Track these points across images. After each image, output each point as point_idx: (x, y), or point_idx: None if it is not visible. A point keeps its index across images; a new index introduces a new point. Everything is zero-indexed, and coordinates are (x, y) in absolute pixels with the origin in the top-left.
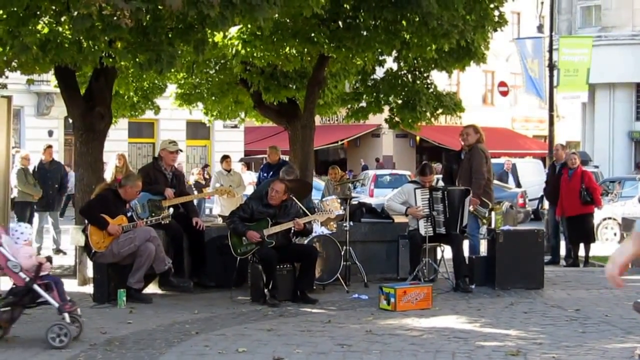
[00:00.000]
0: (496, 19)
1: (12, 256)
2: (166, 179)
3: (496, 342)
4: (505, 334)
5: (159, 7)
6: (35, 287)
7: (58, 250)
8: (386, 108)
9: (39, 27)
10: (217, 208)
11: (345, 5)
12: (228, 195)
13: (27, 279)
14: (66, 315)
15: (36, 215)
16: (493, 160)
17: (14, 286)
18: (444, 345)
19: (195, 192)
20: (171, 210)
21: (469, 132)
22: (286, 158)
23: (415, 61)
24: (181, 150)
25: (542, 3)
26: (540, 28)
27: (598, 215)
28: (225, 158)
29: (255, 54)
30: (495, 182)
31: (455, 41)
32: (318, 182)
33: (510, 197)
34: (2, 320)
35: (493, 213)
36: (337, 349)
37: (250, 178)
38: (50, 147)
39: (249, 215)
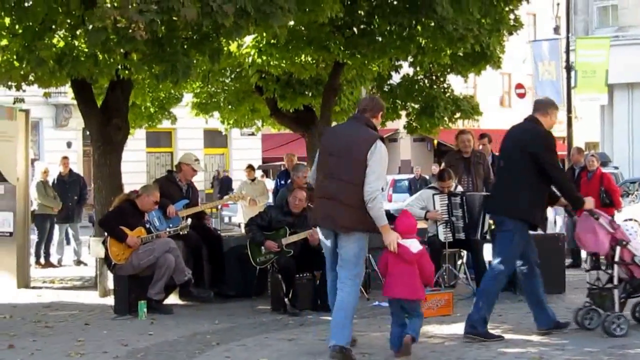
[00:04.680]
0: (511, 22)
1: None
2: (181, 191)
3: (518, 348)
4: (527, 339)
5: (174, 17)
6: None
7: (79, 262)
8: (403, 113)
9: (55, 41)
10: (239, 217)
11: (359, 12)
12: (248, 202)
13: None
14: None
15: (56, 227)
16: None
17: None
18: (466, 352)
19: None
20: (189, 220)
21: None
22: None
23: (431, 66)
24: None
25: (558, 4)
26: (556, 29)
27: (618, 217)
28: (248, 167)
29: (271, 63)
30: None
31: (471, 45)
32: None
33: None
34: None
35: None
36: (358, 358)
37: (268, 186)
38: (66, 158)
39: (267, 223)
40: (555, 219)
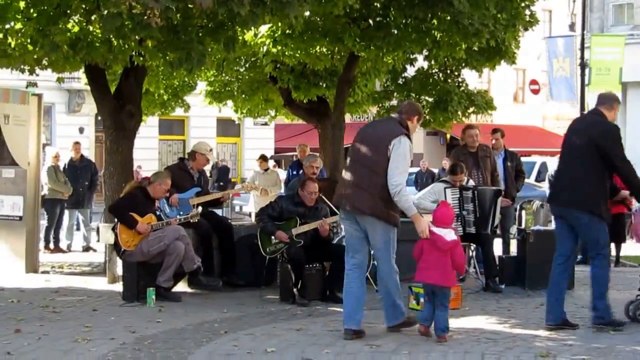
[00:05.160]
0: (527, 18)
1: None
2: (192, 179)
3: (526, 344)
4: (535, 335)
5: (189, 5)
6: None
7: (88, 248)
8: None
9: (69, 25)
10: (251, 206)
11: (375, 4)
12: (260, 192)
13: None
14: None
15: (66, 212)
16: (524, 159)
17: None
18: (473, 346)
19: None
20: (200, 208)
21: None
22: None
23: (445, 60)
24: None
25: (574, 1)
26: (572, 26)
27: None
28: (261, 157)
29: (285, 53)
30: (526, 181)
31: (486, 40)
32: None
33: (541, 195)
34: None
35: (524, 212)
36: (365, 350)
37: (280, 176)
38: (77, 143)
39: (278, 213)
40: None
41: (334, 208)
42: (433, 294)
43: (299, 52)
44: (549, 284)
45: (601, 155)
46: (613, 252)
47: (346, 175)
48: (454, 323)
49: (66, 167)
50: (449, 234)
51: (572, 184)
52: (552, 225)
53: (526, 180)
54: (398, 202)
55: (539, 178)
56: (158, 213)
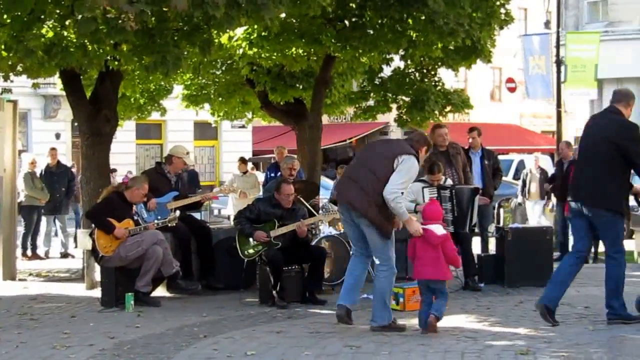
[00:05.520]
0: (502, 16)
1: None
2: (170, 183)
3: (506, 341)
4: (514, 332)
5: (164, 8)
6: None
7: (66, 254)
8: (394, 106)
9: (44, 31)
10: (229, 209)
11: (351, 5)
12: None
13: None
14: None
15: (44, 219)
16: (502, 157)
17: None
18: (453, 345)
19: None
20: (178, 212)
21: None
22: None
23: (422, 59)
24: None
25: None
26: (547, 24)
27: None
28: (240, 160)
29: (262, 55)
30: (504, 178)
31: (462, 39)
32: (326, 182)
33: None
34: None
35: (502, 210)
36: (346, 351)
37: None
38: (54, 149)
39: (256, 216)
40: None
41: (311, 209)
42: (429, 288)
43: (275, 54)
44: (554, 276)
45: (621, 153)
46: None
47: (351, 174)
48: None
49: (43, 173)
50: (439, 229)
51: (594, 182)
52: (530, 223)
53: (504, 178)
54: (392, 208)
55: (517, 176)
56: (136, 218)
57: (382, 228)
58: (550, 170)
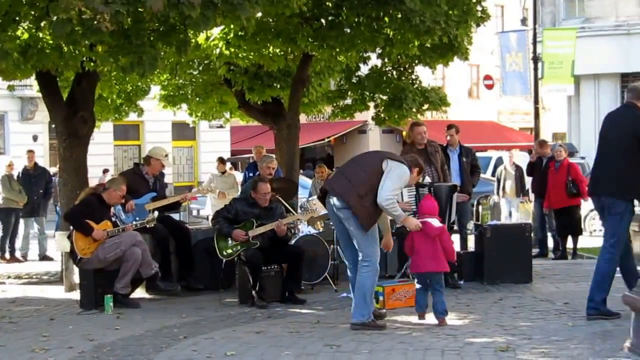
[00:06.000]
0: (479, 13)
1: None
2: (148, 184)
3: (485, 338)
4: (494, 329)
5: (140, 9)
6: None
7: (44, 257)
8: (372, 105)
9: (19, 32)
10: (208, 210)
11: (327, 4)
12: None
13: None
14: None
15: (22, 221)
16: (480, 154)
17: None
18: (433, 342)
19: None
20: (156, 213)
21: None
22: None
23: (399, 57)
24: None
25: None
26: (524, 21)
27: (585, 207)
28: (219, 160)
29: (239, 55)
30: (482, 175)
31: (439, 37)
32: (304, 181)
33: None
34: None
35: (480, 207)
36: (326, 350)
37: (238, 178)
38: (31, 152)
39: (233, 216)
40: (511, 211)
41: (290, 208)
42: (428, 281)
43: (252, 53)
44: (595, 272)
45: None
46: (570, 245)
47: (342, 169)
48: (413, 320)
49: (20, 175)
50: (435, 222)
51: (614, 175)
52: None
53: (482, 175)
54: (388, 212)
55: (495, 173)
56: (114, 219)
57: (362, 218)
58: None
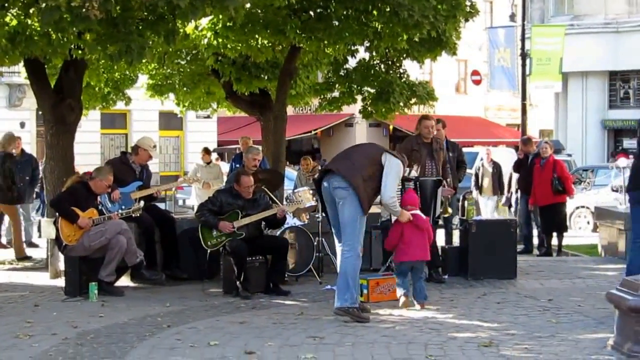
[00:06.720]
0: (468, 9)
1: None
2: (134, 173)
3: (469, 333)
4: (478, 324)
5: None
6: None
7: (30, 243)
8: (359, 98)
9: (7, 19)
10: (193, 199)
11: None
12: (202, 185)
13: None
14: None
15: None
16: (467, 150)
17: None
18: (417, 336)
19: None
20: (142, 202)
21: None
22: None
23: (387, 51)
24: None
25: None
26: (512, 17)
27: (571, 204)
28: (204, 150)
29: (227, 45)
30: (468, 171)
31: (427, 31)
32: (291, 172)
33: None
34: None
35: (466, 202)
36: (309, 342)
37: (223, 169)
38: (18, 138)
39: (218, 207)
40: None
41: (274, 198)
42: (412, 269)
43: (240, 44)
44: (627, 268)
45: None
46: (555, 242)
47: (345, 153)
48: (397, 314)
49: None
50: (421, 214)
51: None
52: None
53: (468, 170)
54: (390, 208)
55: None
56: (100, 207)
57: (363, 200)
58: (510, 163)
